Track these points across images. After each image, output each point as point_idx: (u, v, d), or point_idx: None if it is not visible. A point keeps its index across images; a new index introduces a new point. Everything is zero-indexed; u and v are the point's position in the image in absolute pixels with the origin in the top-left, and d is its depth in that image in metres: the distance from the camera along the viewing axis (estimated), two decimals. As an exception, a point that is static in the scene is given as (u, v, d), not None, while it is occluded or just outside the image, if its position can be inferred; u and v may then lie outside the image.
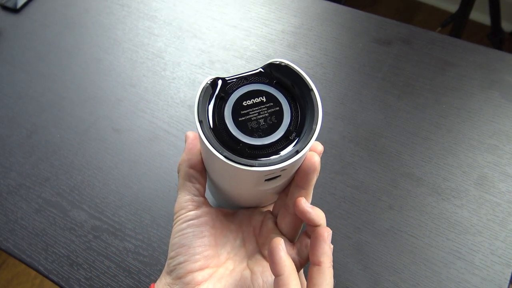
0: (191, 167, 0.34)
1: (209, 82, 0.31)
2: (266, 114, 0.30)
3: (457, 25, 1.22)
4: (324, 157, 0.49)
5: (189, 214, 0.34)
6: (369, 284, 0.41)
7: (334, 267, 0.42)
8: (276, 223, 0.36)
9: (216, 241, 0.35)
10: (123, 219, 0.47)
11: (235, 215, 0.38)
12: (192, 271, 0.33)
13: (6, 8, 0.68)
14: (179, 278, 0.33)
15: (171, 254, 0.34)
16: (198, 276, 0.33)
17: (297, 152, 0.29)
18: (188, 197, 0.34)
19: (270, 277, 0.33)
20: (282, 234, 0.35)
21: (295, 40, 0.59)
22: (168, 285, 0.33)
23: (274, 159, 0.29)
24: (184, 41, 0.61)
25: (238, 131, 0.30)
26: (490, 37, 1.29)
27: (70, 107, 0.56)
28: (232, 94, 0.31)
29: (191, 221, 0.33)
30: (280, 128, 0.30)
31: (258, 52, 0.58)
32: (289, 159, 0.29)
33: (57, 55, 0.61)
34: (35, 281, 1.27)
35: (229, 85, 0.31)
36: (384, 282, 0.41)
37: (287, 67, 0.31)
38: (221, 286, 0.34)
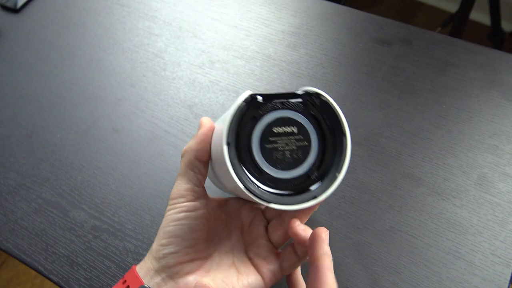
0: (198, 158, 0.34)
1: (245, 101, 0.29)
2: (294, 147, 0.30)
3: (457, 25, 1.22)
4: (324, 157, 0.49)
5: (187, 204, 0.33)
6: (369, 284, 0.41)
7: (334, 267, 0.42)
8: (266, 228, 0.37)
9: (209, 234, 0.35)
10: (123, 219, 0.47)
11: (226, 205, 0.38)
12: (182, 262, 0.33)
13: (6, 8, 0.68)
14: (168, 267, 0.33)
15: (162, 241, 0.33)
16: (187, 267, 0.33)
17: (315, 197, 0.29)
18: (188, 185, 0.34)
19: (255, 280, 0.34)
20: (271, 241, 0.36)
21: (295, 40, 0.59)
22: (155, 271, 0.33)
23: (289, 200, 0.29)
24: (184, 41, 0.61)
25: (263, 159, 0.29)
26: (490, 37, 1.29)
27: (70, 107, 0.56)
28: (265, 117, 0.29)
29: (189, 213, 0.33)
30: (303, 165, 0.30)
31: (258, 52, 0.58)
32: (305, 203, 0.29)
33: (57, 55, 0.61)
34: (35, 281, 1.27)
35: (264, 105, 0.29)
36: (384, 282, 0.41)
37: (327, 103, 0.30)
38: (209, 279, 0.34)
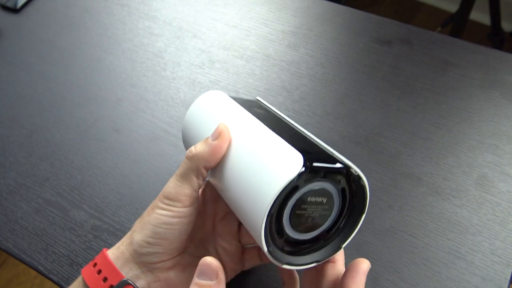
0: (206, 167, 0.33)
1: (297, 177, 0.27)
2: (317, 215, 0.30)
3: (457, 25, 1.22)
4: (324, 157, 0.49)
5: (183, 210, 0.33)
6: (369, 283, 0.41)
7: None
8: (239, 226, 0.38)
9: (193, 231, 0.36)
10: (123, 219, 0.47)
11: (204, 191, 0.39)
12: (165, 260, 0.33)
13: (6, 8, 0.68)
14: (150, 263, 0.33)
15: (149, 240, 0.32)
16: (169, 263, 0.34)
17: (318, 262, 0.31)
18: (188, 191, 0.33)
19: (222, 275, 0.35)
20: (240, 241, 0.37)
21: (295, 40, 0.59)
22: (135, 263, 0.33)
23: (297, 261, 0.31)
24: (184, 41, 0.61)
25: (289, 223, 0.30)
26: (490, 37, 1.29)
27: (70, 107, 0.56)
28: (306, 187, 0.29)
29: (183, 219, 0.33)
30: (318, 229, 0.31)
31: (258, 52, 0.58)
32: (308, 264, 0.31)
33: (57, 55, 0.61)
34: (35, 281, 1.27)
35: (308, 175, 0.28)
36: (384, 282, 0.41)
37: (361, 186, 0.30)
38: (185, 276, 0.35)
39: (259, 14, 0.63)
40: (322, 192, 0.30)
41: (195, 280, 0.29)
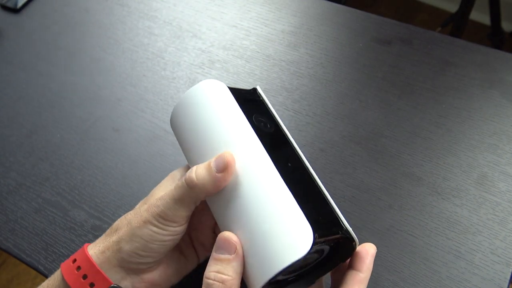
0: (206, 196, 0.32)
1: (303, 257, 0.28)
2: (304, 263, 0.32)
3: (457, 25, 1.22)
4: (324, 156, 0.49)
5: (178, 230, 0.32)
6: (369, 283, 0.41)
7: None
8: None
9: None
10: (123, 218, 0.47)
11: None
12: (150, 265, 0.33)
13: (6, 8, 0.68)
14: (137, 269, 0.33)
15: (140, 252, 0.32)
16: (153, 266, 0.34)
17: None
18: (185, 214, 0.32)
19: (196, 264, 0.36)
20: (215, 232, 0.37)
21: (295, 40, 0.59)
22: (120, 267, 0.32)
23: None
24: (184, 41, 0.61)
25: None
26: (490, 37, 1.29)
27: (70, 107, 0.56)
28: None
29: (176, 236, 0.33)
30: (301, 270, 0.32)
31: (258, 52, 0.58)
32: None
33: (57, 55, 0.61)
34: (35, 281, 1.27)
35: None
36: (384, 281, 0.41)
37: (352, 246, 0.32)
38: (170, 272, 0.35)
39: (259, 14, 0.63)
40: (316, 251, 0.31)
41: (214, 255, 0.29)
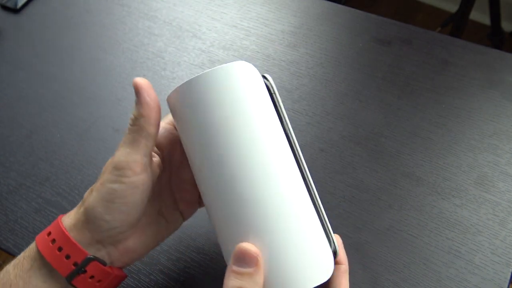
0: (152, 125, 0.30)
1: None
2: None
3: (457, 25, 1.22)
4: (324, 156, 0.49)
5: (134, 180, 0.30)
6: (369, 283, 0.41)
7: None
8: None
9: (152, 196, 0.33)
10: (123, 218, 0.47)
11: (160, 136, 0.36)
12: (124, 232, 0.32)
13: (6, 8, 0.68)
14: (109, 237, 0.31)
15: (106, 217, 0.30)
16: (128, 232, 0.32)
17: None
18: (137, 156, 0.30)
19: (180, 223, 0.36)
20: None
21: (295, 40, 0.59)
22: (93, 239, 0.31)
23: None
24: (184, 41, 0.61)
25: None
26: (490, 37, 1.29)
27: (70, 107, 0.56)
28: None
29: (137, 189, 0.30)
30: None
31: (258, 52, 0.58)
32: None
33: (57, 55, 0.61)
34: (35, 281, 1.27)
35: None
36: (384, 281, 0.41)
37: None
38: (145, 238, 0.34)
39: (259, 14, 0.63)
40: None
41: (233, 267, 0.28)
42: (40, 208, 0.48)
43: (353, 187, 0.46)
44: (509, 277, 0.40)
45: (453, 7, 1.54)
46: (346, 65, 0.56)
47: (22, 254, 0.32)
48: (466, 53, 0.55)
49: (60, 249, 0.30)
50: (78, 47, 0.62)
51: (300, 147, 0.50)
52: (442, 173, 0.46)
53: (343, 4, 0.64)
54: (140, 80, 0.30)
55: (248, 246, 0.28)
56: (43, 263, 0.31)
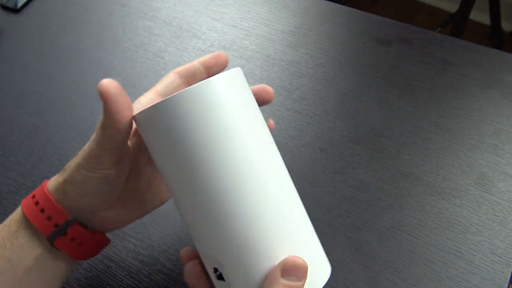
0: (120, 137, 0.29)
1: None
2: None
3: (457, 25, 1.22)
4: (324, 156, 0.49)
5: (107, 173, 0.30)
6: (369, 283, 0.41)
7: (334, 267, 0.42)
8: None
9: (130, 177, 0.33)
10: (123, 218, 0.47)
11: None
12: (102, 210, 0.32)
13: (6, 8, 0.68)
14: (89, 208, 0.32)
15: (82, 195, 0.31)
16: (105, 208, 0.33)
17: None
18: (109, 158, 0.30)
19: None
20: None
21: (295, 40, 0.59)
22: (74, 206, 0.31)
23: None
24: (184, 41, 0.61)
25: None
26: (490, 37, 1.29)
27: (70, 107, 0.56)
28: None
29: (110, 179, 0.30)
30: None
31: (258, 52, 0.58)
32: None
33: (57, 55, 0.61)
34: (35, 281, 1.27)
35: None
36: (384, 281, 0.41)
37: None
38: (125, 212, 0.34)
39: (259, 14, 0.63)
40: None
41: (282, 281, 0.26)
42: (40, 208, 0.48)
43: (353, 187, 0.46)
44: (509, 277, 0.40)
45: (453, 7, 1.54)
46: (346, 65, 0.56)
47: (9, 218, 0.33)
48: (466, 53, 0.55)
49: (42, 210, 0.31)
50: (78, 47, 0.62)
51: (300, 147, 0.50)
52: (442, 173, 0.46)
53: (343, 4, 0.64)
54: (106, 86, 0.27)
55: (297, 259, 0.27)
56: (28, 225, 0.32)
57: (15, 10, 0.67)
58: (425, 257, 0.42)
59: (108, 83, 0.27)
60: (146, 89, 0.57)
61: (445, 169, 0.47)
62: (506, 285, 0.40)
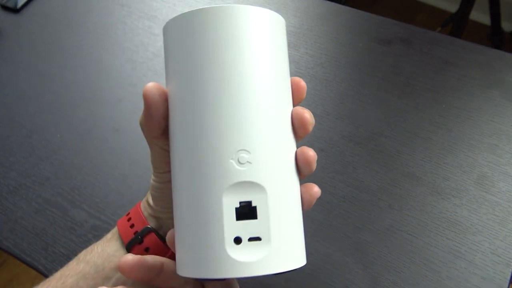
0: (154, 136, 0.29)
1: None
2: None
3: (457, 25, 1.22)
4: (324, 156, 0.49)
5: (166, 176, 0.31)
6: (369, 283, 0.41)
7: (334, 267, 0.42)
8: None
9: None
10: (123, 218, 0.47)
11: None
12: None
13: (6, 8, 0.68)
14: (161, 218, 0.34)
15: (151, 201, 0.33)
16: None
17: None
18: (159, 158, 0.30)
19: None
20: None
21: (295, 40, 0.59)
22: (153, 217, 0.34)
23: None
24: (184, 41, 0.61)
25: None
26: (490, 37, 1.29)
27: (70, 107, 0.56)
28: None
29: (169, 183, 0.31)
30: None
31: (258, 52, 0.58)
32: None
33: (57, 55, 0.61)
34: (35, 281, 1.27)
35: None
36: (384, 281, 0.41)
37: None
38: None
39: (259, 14, 0.63)
40: None
41: None
42: (40, 208, 0.48)
43: (353, 187, 0.46)
44: (509, 277, 0.40)
45: (453, 7, 1.54)
46: (346, 65, 0.56)
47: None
48: (466, 53, 0.55)
49: (129, 219, 0.34)
50: (78, 47, 0.62)
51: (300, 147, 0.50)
52: (442, 173, 0.46)
53: (343, 4, 0.64)
54: (154, 91, 0.27)
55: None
56: (120, 235, 0.34)
57: (15, 10, 0.67)
58: (425, 257, 0.42)
59: (151, 88, 0.27)
60: (146, 89, 0.57)
61: (445, 169, 0.47)
62: (506, 285, 0.40)
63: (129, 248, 0.33)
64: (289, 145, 0.27)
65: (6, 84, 0.59)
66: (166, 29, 0.29)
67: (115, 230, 0.35)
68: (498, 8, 1.21)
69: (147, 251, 0.33)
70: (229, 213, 0.23)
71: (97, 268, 0.33)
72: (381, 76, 0.54)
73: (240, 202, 0.24)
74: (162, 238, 0.33)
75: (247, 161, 0.24)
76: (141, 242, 0.33)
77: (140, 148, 0.51)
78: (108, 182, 0.49)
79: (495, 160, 0.47)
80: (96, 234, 0.46)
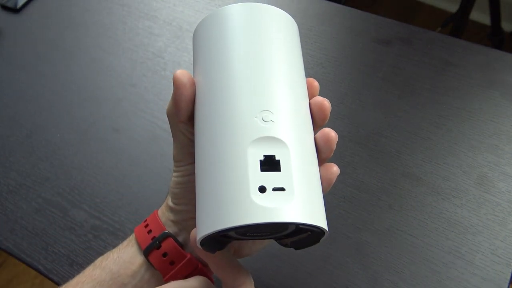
0: (180, 120, 0.30)
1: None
2: None
3: (457, 25, 1.22)
4: (324, 156, 0.49)
5: (188, 168, 0.32)
6: (369, 283, 0.41)
7: (334, 267, 0.42)
8: None
9: None
10: (123, 218, 0.47)
11: None
12: (192, 218, 0.33)
13: (6, 8, 0.68)
14: (183, 220, 0.33)
15: (174, 201, 0.33)
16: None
17: None
18: (183, 149, 0.32)
19: None
20: None
21: (295, 40, 0.59)
22: (172, 221, 0.34)
23: None
24: (184, 41, 0.61)
25: None
26: (490, 37, 1.29)
27: (70, 107, 0.56)
28: None
29: (191, 176, 0.32)
30: None
31: (258, 52, 0.58)
32: None
33: (57, 55, 0.61)
34: (35, 281, 1.27)
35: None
36: (384, 281, 0.41)
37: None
38: None
39: (259, 14, 0.63)
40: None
41: None
42: (40, 208, 0.48)
43: (353, 187, 0.46)
44: (509, 277, 0.40)
45: (453, 7, 1.54)
46: (346, 65, 0.56)
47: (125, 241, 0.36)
48: (466, 53, 0.55)
49: (146, 225, 0.34)
50: (78, 47, 0.62)
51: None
52: (442, 173, 0.46)
53: (343, 4, 0.64)
54: (182, 77, 0.29)
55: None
56: (136, 241, 0.34)
57: (15, 10, 0.67)
58: (425, 257, 0.42)
59: (181, 75, 0.29)
60: (146, 89, 0.58)
61: (445, 169, 0.47)
62: (506, 285, 0.40)
63: (146, 253, 0.33)
64: (308, 125, 0.29)
65: (6, 84, 0.59)
66: (200, 26, 0.32)
67: (131, 237, 0.35)
68: (498, 8, 1.21)
69: (164, 256, 0.33)
70: (254, 164, 0.24)
71: (112, 275, 0.33)
72: (381, 76, 0.54)
73: (264, 155, 0.25)
74: (180, 244, 0.33)
75: (271, 120, 0.26)
76: (158, 247, 0.33)
77: (140, 148, 0.51)
78: (108, 182, 0.49)
79: (495, 160, 0.47)
80: (96, 234, 0.46)
